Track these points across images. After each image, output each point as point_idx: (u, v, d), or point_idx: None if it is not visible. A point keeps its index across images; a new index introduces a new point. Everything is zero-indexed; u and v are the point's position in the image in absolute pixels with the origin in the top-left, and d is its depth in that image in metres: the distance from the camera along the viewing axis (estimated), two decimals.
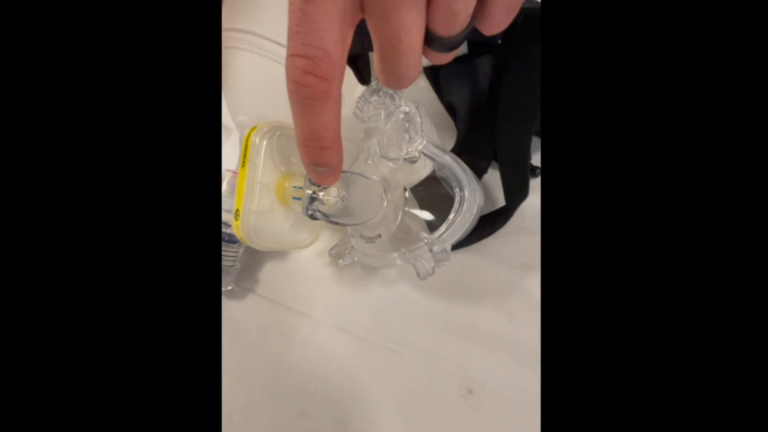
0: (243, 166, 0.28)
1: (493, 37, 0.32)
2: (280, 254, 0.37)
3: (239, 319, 0.37)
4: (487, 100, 0.31)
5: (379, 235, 0.27)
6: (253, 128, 0.29)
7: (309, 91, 0.16)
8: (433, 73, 0.35)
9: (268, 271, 0.37)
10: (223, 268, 0.35)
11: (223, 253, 0.34)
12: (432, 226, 0.27)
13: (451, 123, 0.34)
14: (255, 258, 0.37)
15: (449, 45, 0.16)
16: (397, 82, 0.17)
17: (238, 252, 0.36)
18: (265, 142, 0.29)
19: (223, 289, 0.35)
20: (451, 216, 0.25)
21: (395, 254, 0.26)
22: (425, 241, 0.24)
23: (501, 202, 0.31)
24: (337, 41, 0.15)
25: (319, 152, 0.19)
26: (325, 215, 0.26)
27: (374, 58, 0.17)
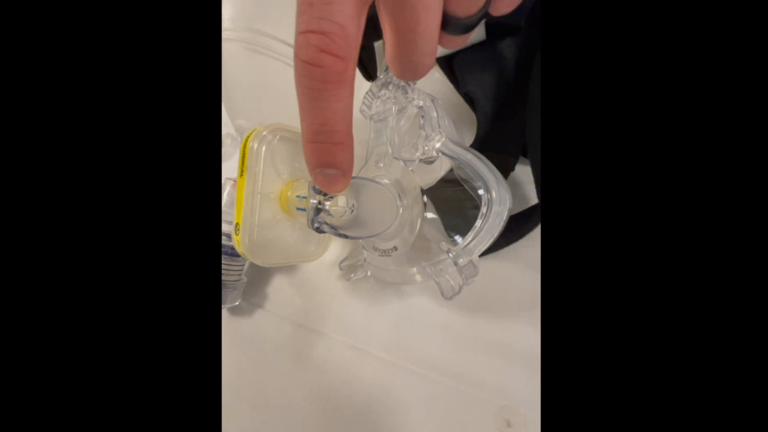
0: (242, 175, 0.26)
1: (516, 18, 0.28)
2: (288, 266, 0.36)
3: (248, 335, 0.35)
4: (513, 89, 0.28)
5: (395, 248, 0.24)
6: (251, 132, 0.26)
7: (323, 73, 0.14)
8: (447, 63, 0.32)
9: (277, 285, 0.36)
10: (229, 282, 0.34)
11: (228, 267, 0.33)
12: (450, 235, 0.24)
13: (470, 116, 0.31)
14: (262, 271, 0.36)
15: (466, 26, 0.15)
16: (412, 71, 0.16)
17: (243, 265, 0.34)
18: (264, 148, 0.26)
19: (230, 305, 0.34)
20: (478, 223, 0.21)
21: (414, 269, 0.23)
22: (449, 254, 0.21)
23: (533, 199, 0.28)
24: (354, 17, 0.14)
25: (330, 149, 0.16)
26: (333, 227, 0.23)
27: (387, 44, 0.16)
